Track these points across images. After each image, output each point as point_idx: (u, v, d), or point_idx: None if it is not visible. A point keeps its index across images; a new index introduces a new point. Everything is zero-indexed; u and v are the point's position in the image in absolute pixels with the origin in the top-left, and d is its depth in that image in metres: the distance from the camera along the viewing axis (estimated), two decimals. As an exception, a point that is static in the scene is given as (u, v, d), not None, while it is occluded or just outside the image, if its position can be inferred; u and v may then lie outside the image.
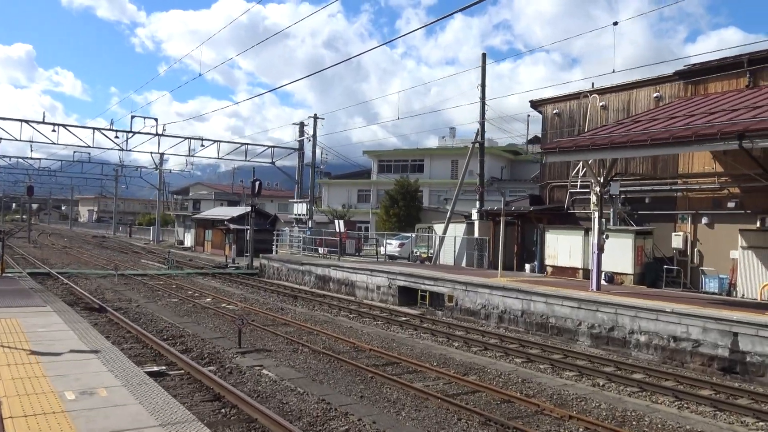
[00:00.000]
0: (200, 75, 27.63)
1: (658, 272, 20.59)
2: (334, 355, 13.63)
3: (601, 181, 17.54)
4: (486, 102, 26.80)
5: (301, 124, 41.79)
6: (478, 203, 27.02)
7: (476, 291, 19.25)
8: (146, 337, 14.68)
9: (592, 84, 25.33)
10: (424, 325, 18.47)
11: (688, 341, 13.66)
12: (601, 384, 12.14)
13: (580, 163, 20.32)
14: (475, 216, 27.05)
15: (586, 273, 22.00)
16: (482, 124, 27.22)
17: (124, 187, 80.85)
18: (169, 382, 11.11)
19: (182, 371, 11.82)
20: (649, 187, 21.46)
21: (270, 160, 41.09)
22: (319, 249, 34.98)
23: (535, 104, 26.22)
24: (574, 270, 22.22)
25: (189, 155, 39.22)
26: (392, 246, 33.44)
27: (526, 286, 17.90)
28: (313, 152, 39.88)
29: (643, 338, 14.54)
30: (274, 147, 40.59)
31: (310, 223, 39.05)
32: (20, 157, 56.71)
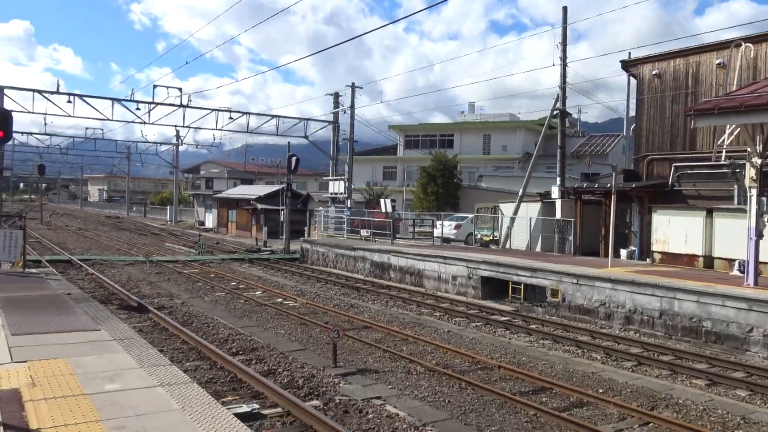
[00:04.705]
0: (202, 55, 24.07)
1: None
2: (461, 377, 10.42)
3: (759, 150, 14.13)
4: (567, 64, 23.23)
5: (336, 95, 38.26)
6: (558, 180, 23.59)
7: (592, 285, 15.95)
8: (210, 351, 11.49)
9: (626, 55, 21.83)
10: (532, 326, 15.24)
11: None
12: None
13: (726, 131, 16.84)
14: (555, 194, 23.65)
15: (708, 261, 18.70)
16: (563, 89, 23.69)
17: (138, 164, 77.27)
18: (269, 429, 7.95)
19: (279, 410, 8.62)
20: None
21: (302, 135, 37.58)
22: (362, 231, 31.64)
23: (628, 65, 22.53)
24: (692, 257, 18.87)
25: (216, 129, 35.72)
26: (447, 227, 30.08)
27: (666, 280, 14.58)
28: (351, 125, 36.42)
29: None
30: (307, 120, 37.06)
31: (348, 203, 35.74)
32: (32, 133, 53.06)
